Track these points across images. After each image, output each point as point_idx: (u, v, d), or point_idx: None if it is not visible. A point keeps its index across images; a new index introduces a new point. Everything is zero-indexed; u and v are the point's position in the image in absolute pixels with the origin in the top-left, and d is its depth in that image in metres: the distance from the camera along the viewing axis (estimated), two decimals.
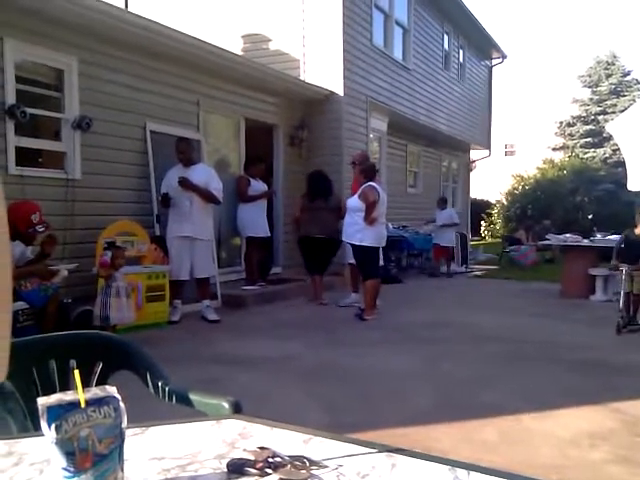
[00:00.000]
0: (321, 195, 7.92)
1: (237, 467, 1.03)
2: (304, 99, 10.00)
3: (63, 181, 6.13)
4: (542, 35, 75.16)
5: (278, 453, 1.06)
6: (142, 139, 7.10)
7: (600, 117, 30.34)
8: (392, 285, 9.54)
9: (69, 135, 6.27)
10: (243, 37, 10.64)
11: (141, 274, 6.24)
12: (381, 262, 7.93)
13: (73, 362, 1.04)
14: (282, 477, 0.99)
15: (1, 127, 5.57)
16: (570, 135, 32.02)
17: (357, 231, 6.99)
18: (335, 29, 9.92)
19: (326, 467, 1.04)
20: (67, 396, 0.93)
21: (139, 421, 1.23)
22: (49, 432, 0.90)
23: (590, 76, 32.12)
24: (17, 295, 4.77)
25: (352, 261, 7.70)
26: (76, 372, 0.96)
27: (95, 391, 0.96)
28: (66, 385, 1.01)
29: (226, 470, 1.03)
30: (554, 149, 31.85)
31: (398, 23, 12.47)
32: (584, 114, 31.63)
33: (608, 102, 30.71)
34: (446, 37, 15.22)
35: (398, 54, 12.53)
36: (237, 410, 1.60)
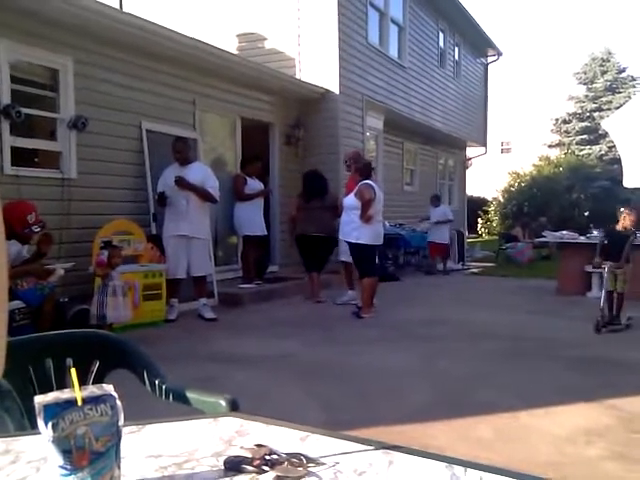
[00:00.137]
0: (317, 194, 7.92)
1: (234, 465, 1.03)
2: (300, 98, 9.99)
3: (59, 181, 6.13)
4: (537, 32, 75.30)
5: (275, 450, 1.06)
6: (138, 138, 7.10)
7: (596, 114, 30.39)
8: (389, 283, 9.55)
9: (65, 135, 6.26)
10: (238, 36, 10.63)
11: (138, 273, 6.24)
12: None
13: (70, 361, 1.04)
14: (279, 474, 0.99)
15: None
16: (566, 132, 32.07)
17: (353, 229, 6.99)
18: (330, 27, 9.92)
19: (323, 464, 1.04)
20: (64, 394, 0.93)
21: (136, 419, 1.23)
22: (46, 430, 0.90)
23: (585, 73, 32.17)
24: (14, 294, 4.77)
25: (344, 259, 7.75)
26: (73, 370, 0.96)
27: (92, 389, 0.96)
28: (63, 383, 1.01)
29: (223, 468, 1.03)
30: (550, 146, 31.89)
31: (393, 21, 12.47)
32: (579, 111, 31.68)
33: (603, 99, 30.76)
34: (441, 35, 15.22)
35: (394, 52, 12.53)
36: (234, 408, 1.60)
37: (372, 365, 4.95)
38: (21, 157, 5.90)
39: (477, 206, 23.03)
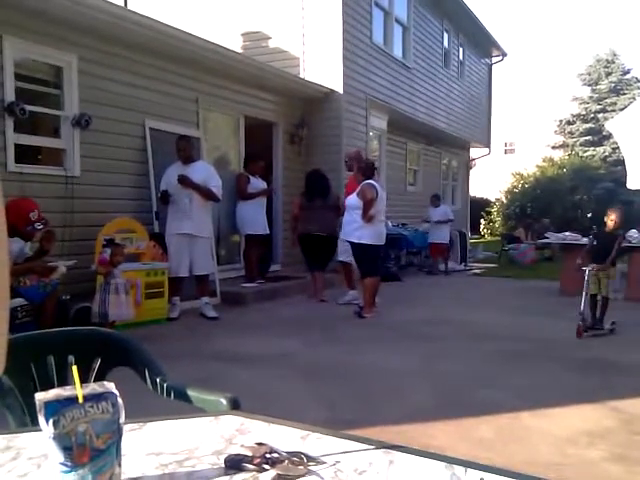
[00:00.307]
0: (319, 194, 7.93)
1: (235, 463, 1.03)
2: (304, 97, 10.00)
3: (62, 178, 6.13)
4: (542, 33, 75.20)
5: (276, 449, 1.06)
6: (141, 136, 7.10)
7: (600, 115, 30.35)
8: (391, 283, 9.54)
9: (68, 132, 6.27)
10: (243, 35, 10.64)
11: (140, 271, 6.24)
12: None
13: (71, 358, 1.04)
14: (280, 473, 1.00)
15: (0, 124, 5.58)
16: (570, 133, 32.03)
17: (355, 229, 6.99)
18: (335, 27, 9.91)
19: (324, 463, 1.04)
20: (65, 391, 0.93)
21: (137, 417, 1.23)
22: (47, 427, 0.90)
23: (590, 74, 32.12)
24: (16, 291, 4.78)
25: (342, 258, 7.78)
26: (74, 368, 0.96)
27: (93, 387, 0.96)
28: (64, 381, 1.02)
29: (223, 466, 1.03)
30: (554, 147, 31.85)
31: (398, 21, 12.46)
32: (584, 112, 31.63)
33: (608, 100, 30.71)
34: (446, 35, 15.20)
35: (398, 52, 12.52)
36: (235, 406, 1.60)
37: (374, 365, 4.95)
38: (25, 154, 5.91)
39: (480, 207, 23.00)
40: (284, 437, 1.17)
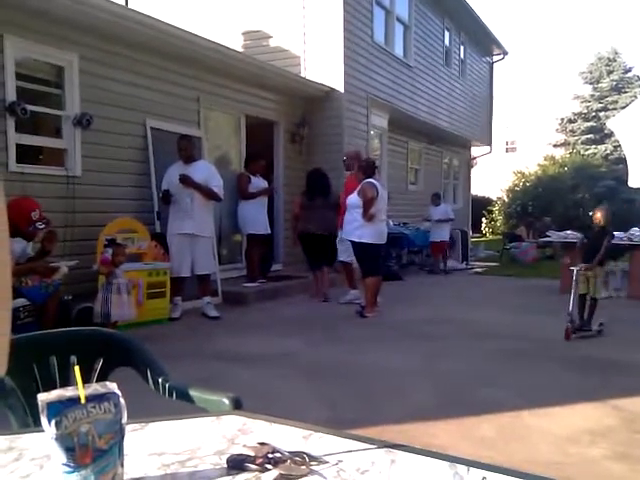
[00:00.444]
0: (320, 193, 7.94)
1: (237, 463, 1.03)
2: (305, 96, 9.99)
3: (64, 178, 6.14)
4: (543, 31, 75.13)
5: (278, 449, 1.06)
6: (143, 136, 7.11)
7: (601, 114, 30.29)
8: (392, 282, 9.54)
9: (70, 132, 6.27)
10: (244, 34, 10.63)
11: (142, 271, 6.25)
12: None
13: (73, 358, 1.04)
14: (282, 473, 1.00)
15: (2, 124, 5.58)
16: (571, 132, 31.98)
17: (356, 228, 6.98)
18: (336, 26, 9.91)
19: (326, 463, 1.04)
20: (67, 392, 0.93)
21: (139, 417, 1.24)
22: (49, 428, 0.90)
23: (591, 72, 32.06)
24: (18, 292, 4.78)
25: (343, 258, 7.80)
26: (76, 368, 0.96)
27: (95, 387, 0.96)
28: (66, 381, 1.02)
29: (226, 466, 1.03)
30: (555, 146, 31.80)
31: (399, 19, 12.45)
32: (585, 111, 31.57)
33: (609, 99, 30.65)
34: (447, 33, 15.19)
35: (399, 51, 12.51)
36: (237, 406, 1.60)
37: (375, 364, 4.95)
38: (26, 154, 5.91)
39: (481, 205, 22.98)
40: (286, 437, 1.17)
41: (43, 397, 0.92)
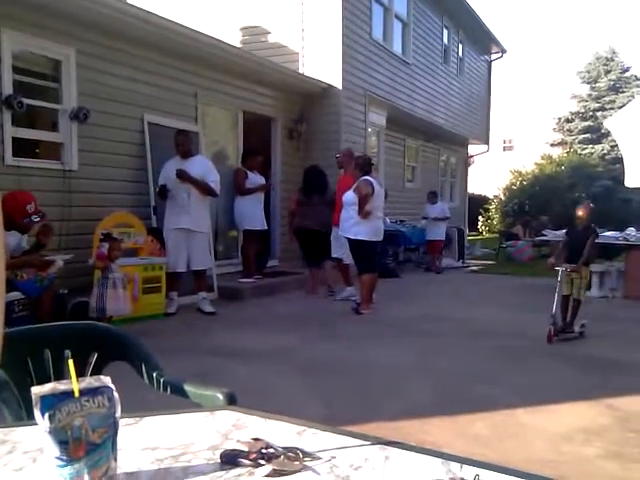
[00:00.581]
0: (317, 190, 7.95)
1: (230, 458, 1.03)
2: (303, 92, 9.98)
3: (60, 172, 6.12)
4: (541, 30, 75.16)
5: (272, 444, 1.06)
6: (140, 131, 7.09)
7: (598, 113, 30.34)
8: (389, 279, 9.55)
9: (66, 126, 6.25)
10: (242, 29, 10.61)
11: (137, 266, 6.24)
12: None
13: (68, 352, 1.04)
14: (275, 468, 1.00)
15: None
16: (568, 131, 32.04)
17: (352, 225, 6.98)
18: (334, 22, 9.89)
19: (319, 459, 1.04)
20: (61, 385, 0.93)
21: (133, 411, 1.23)
22: (43, 421, 0.90)
23: (589, 72, 32.11)
24: (13, 285, 4.77)
25: (337, 255, 7.80)
26: (70, 362, 0.96)
27: (89, 381, 0.96)
28: (61, 375, 1.02)
29: (219, 461, 1.03)
30: (552, 145, 31.86)
31: (398, 17, 12.44)
32: (583, 110, 31.64)
33: (607, 98, 30.71)
34: (445, 31, 15.18)
35: (397, 48, 12.49)
36: (231, 402, 1.60)
37: (371, 361, 4.95)
38: (22, 148, 5.89)
39: (478, 204, 22.99)
40: (280, 432, 1.17)
41: (37, 390, 0.92)
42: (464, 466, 1.01)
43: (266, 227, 8.47)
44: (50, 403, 0.90)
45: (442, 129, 15.11)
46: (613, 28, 71.42)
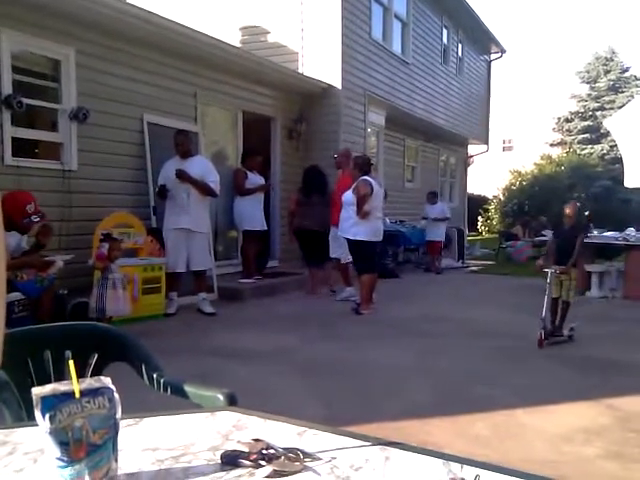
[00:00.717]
0: (316, 190, 7.95)
1: (231, 459, 1.03)
2: (302, 92, 9.98)
3: (59, 172, 6.12)
4: (541, 30, 75.17)
5: (272, 445, 1.06)
6: (139, 131, 7.09)
7: (598, 113, 30.34)
8: (388, 280, 9.54)
9: (66, 126, 6.24)
10: (241, 29, 10.61)
11: (137, 266, 6.24)
12: None
13: (68, 353, 1.04)
14: (276, 469, 1.00)
15: None
16: (568, 131, 32.03)
17: (351, 225, 6.97)
18: (334, 22, 9.89)
19: (320, 459, 1.04)
20: (62, 386, 0.93)
21: (133, 412, 1.23)
22: (43, 422, 0.90)
23: (588, 72, 32.11)
24: (13, 286, 4.77)
25: (336, 255, 7.81)
26: (71, 363, 0.96)
27: (90, 382, 0.96)
28: (61, 376, 1.02)
29: (220, 462, 1.03)
30: (552, 145, 31.85)
31: (397, 17, 12.43)
32: (582, 110, 31.63)
33: (606, 98, 30.71)
34: (445, 31, 15.17)
35: (397, 48, 12.49)
36: (232, 402, 1.60)
37: (371, 361, 4.95)
38: (22, 148, 5.89)
39: (478, 204, 22.98)
40: (281, 433, 1.17)
41: (37, 391, 0.92)
42: (464, 466, 1.01)
43: (266, 227, 8.46)
44: (51, 404, 0.90)
45: (442, 129, 15.10)
46: (613, 28, 71.45)
